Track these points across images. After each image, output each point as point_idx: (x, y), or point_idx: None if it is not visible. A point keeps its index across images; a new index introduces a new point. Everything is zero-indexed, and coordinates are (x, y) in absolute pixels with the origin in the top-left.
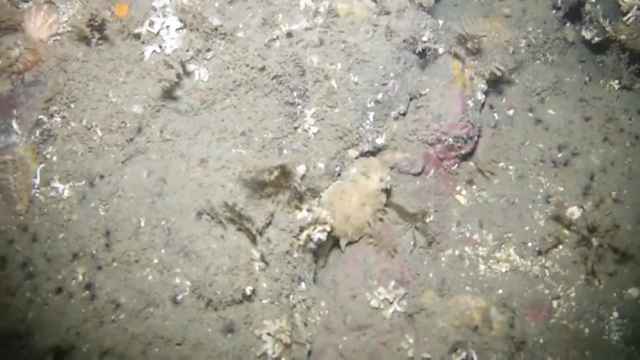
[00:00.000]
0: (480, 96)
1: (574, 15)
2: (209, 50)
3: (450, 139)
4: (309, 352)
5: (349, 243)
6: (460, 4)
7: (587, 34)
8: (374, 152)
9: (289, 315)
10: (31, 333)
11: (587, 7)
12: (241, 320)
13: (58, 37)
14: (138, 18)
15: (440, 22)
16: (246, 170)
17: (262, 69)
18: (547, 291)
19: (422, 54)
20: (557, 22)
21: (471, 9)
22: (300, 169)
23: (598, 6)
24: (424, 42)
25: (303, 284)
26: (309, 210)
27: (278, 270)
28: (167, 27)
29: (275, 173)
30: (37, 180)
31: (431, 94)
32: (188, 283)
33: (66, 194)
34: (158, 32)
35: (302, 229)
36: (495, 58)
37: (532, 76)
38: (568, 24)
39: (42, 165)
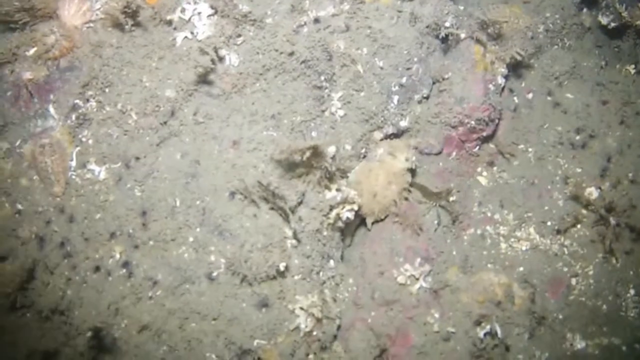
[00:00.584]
0: (501, 80)
1: (591, 1)
2: (239, 36)
3: (473, 122)
4: (339, 327)
5: (375, 222)
6: None
7: (604, 20)
8: (398, 134)
9: (319, 290)
10: (71, 309)
11: None
12: (275, 296)
13: (92, 24)
14: (170, 5)
15: (461, 8)
16: (279, 150)
17: (291, 53)
18: (565, 269)
19: (445, 39)
20: (575, 8)
21: None
22: (331, 150)
23: None
24: (447, 27)
25: (332, 261)
26: (338, 189)
27: (309, 247)
28: (199, 13)
29: (308, 154)
30: (74, 163)
31: (454, 78)
32: (223, 260)
33: (102, 175)
34: (190, 19)
35: (331, 208)
36: (516, 43)
37: (551, 61)
38: (585, 10)
39: (78, 149)
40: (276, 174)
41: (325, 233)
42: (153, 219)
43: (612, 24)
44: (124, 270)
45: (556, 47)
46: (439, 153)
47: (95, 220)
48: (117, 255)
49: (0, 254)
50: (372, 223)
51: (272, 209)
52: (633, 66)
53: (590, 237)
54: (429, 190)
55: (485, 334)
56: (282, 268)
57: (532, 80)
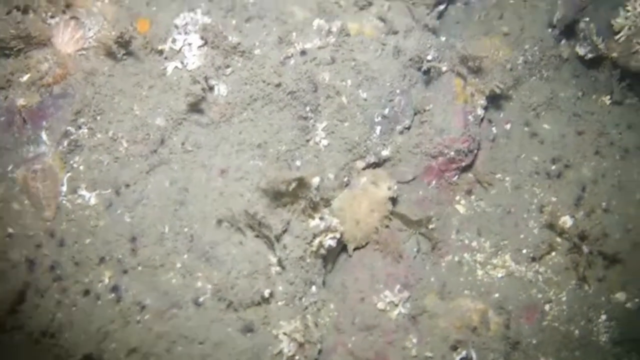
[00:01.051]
0: (480, 111)
1: (569, 32)
2: (228, 66)
3: (452, 153)
4: (320, 351)
5: (357, 248)
6: (462, 21)
7: (581, 50)
8: (380, 163)
9: (302, 316)
10: (61, 332)
11: (582, 24)
12: (260, 321)
13: (84, 52)
14: (160, 35)
15: (443, 38)
16: (266, 181)
17: (278, 85)
18: (540, 295)
19: (427, 72)
20: (553, 39)
21: (472, 27)
22: (316, 181)
23: (592, 24)
24: (429, 61)
25: (314, 287)
26: (321, 218)
27: (293, 274)
28: (189, 44)
29: (293, 184)
30: (65, 188)
31: (435, 110)
32: (209, 286)
33: (92, 201)
34: (180, 49)
35: (315, 236)
36: (495, 76)
37: (529, 92)
38: (563, 41)
39: (69, 174)
40: (262, 202)
41: (308, 260)
42: (142, 244)
43: (589, 55)
44: (113, 295)
45: (534, 78)
46: (412, 180)
47: (85, 244)
48: (107, 280)
49: None
50: (354, 249)
51: (257, 236)
52: (608, 97)
53: (564, 264)
54: (409, 218)
55: (461, 359)
56: (266, 294)
57: (511, 111)
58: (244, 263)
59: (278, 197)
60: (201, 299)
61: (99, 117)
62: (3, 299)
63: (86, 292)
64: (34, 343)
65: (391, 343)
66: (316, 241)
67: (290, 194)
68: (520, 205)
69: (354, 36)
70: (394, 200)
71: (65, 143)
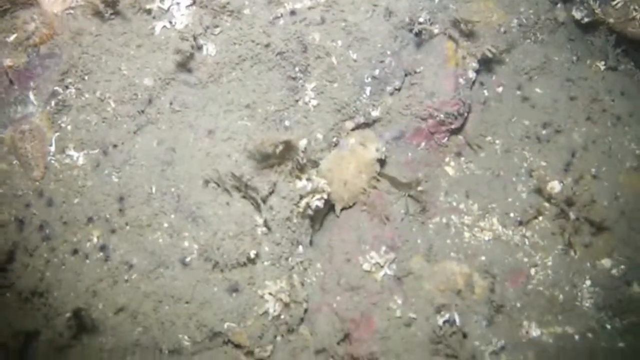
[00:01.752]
0: (472, 75)
1: None
2: (216, 26)
3: (442, 115)
4: (305, 310)
5: (344, 209)
6: None
7: (578, 14)
8: (369, 124)
9: (288, 276)
10: (50, 291)
11: None
12: (245, 281)
13: (72, 11)
14: None
15: (436, 1)
16: (252, 143)
17: (267, 45)
18: (526, 259)
19: (419, 34)
20: (549, 2)
21: None
22: (303, 143)
23: None
24: (421, 23)
25: (301, 247)
26: (308, 179)
27: (279, 235)
28: (178, 3)
29: (280, 147)
30: (53, 148)
31: (425, 72)
32: (196, 246)
33: (81, 161)
34: (169, 8)
35: (301, 197)
36: (488, 40)
37: (522, 55)
38: (559, 5)
39: (57, 134)
40: (249, 164)
41: (295, 220)
42: (129, 204)
43: (586, 19)
44: (101, 254)
45: (529, 41)
46: (401, 139)
47: (73, 204)
48: (95, 239)
49: None
50: (341, 210)
51: (244, 197)
52: (603, 63)
53: (551, 229)
54: (398, 181)
55: (444, 322)
56: (252, 255)
57: (503, 74)
58: (230, 224)
59: (265, 158)
60: (188, 259)
61: (86, 77)
62: None
63: (75, 252)
64: (23, 302)
65: (376, 304)
66: (303, 202)
67: (277, 156)
68: (509, 168)
69: None
70: (382, 162)
71: (53, 103)
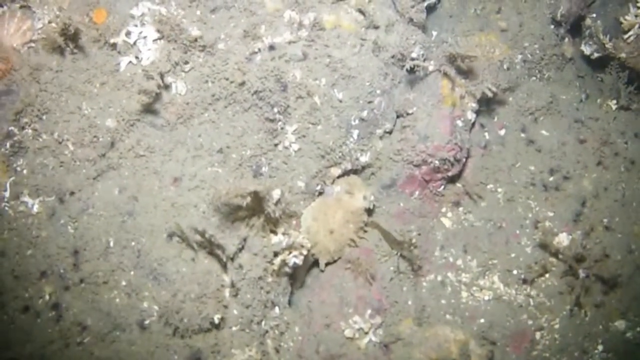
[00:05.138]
0: (471, 116)
1: (574, 29)
2: (186, 62)
3: (437, 161)
4: None
5: (329, 263)
6: (455, 15)
7: (587, 49)
8: (357, 170)
9: (259, 342)
10: None
11: (588, 21)
12: (209, 349)
13: (32, 45)
14: (115, 27)
15: (434, 33)
16: (218, 195)
17: (242, 83)
18: (530, 322)
19: (411, 70)
20: (556, 37)
21: (467, 21)
22: (275, 194)
23: (599, 21)
24: (413, 58)
25: (277, 308)
26: (284, 234)
27: (250, 296)
28: (144, 37)
29: (248, 199)
30: (7, 194)
31: (418, 113)
32: (156, 307)
33: (35, 209)
34: (135, 43)
35: (276, 254)
36: (488, 78)
37: (527, 94)
38: (567, 39)
39: (12, 179)
40: (217, 215)
41: (269, 279)
42: (85, 258)
43: (595, 54)
44: (54, 313)
45: (534, 78)
46: (392, 188)
47: (26, 256)
48: (47, 296)
49: None
50: (326, 264)
51: (210, 253)
52: (615, 101)
53: (558, 288)
54: (390, 236)
55: None
56: (216, 320)
57: (506, 114)
58: (192, 284)
59: (234, 211)
60: (147, 322)
61: (44, 117)
62: None
63: (25, 309)
64: None
65: None
66: (278, 259)
67: (246, 208)
68: (512, 220)
69: (330, 30)
70: (369, 211)
71: (8, 145)
